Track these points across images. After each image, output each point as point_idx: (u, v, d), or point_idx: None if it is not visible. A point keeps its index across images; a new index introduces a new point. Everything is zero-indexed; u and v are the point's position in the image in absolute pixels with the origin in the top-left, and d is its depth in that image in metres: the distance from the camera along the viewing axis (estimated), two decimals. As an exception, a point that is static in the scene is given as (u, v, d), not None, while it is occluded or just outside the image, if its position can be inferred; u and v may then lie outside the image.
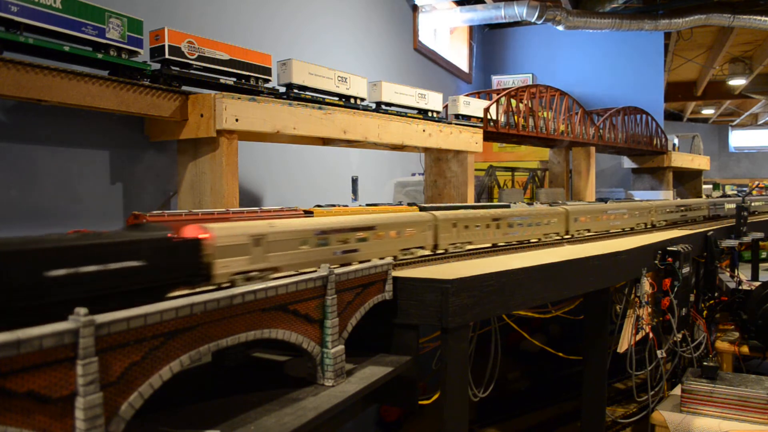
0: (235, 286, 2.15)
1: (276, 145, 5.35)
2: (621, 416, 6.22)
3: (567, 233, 4.76)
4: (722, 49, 13.67)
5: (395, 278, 2.86)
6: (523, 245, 4.22)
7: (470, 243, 3.68)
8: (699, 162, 12.10)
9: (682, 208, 6.85)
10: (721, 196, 10.51)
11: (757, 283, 6.87)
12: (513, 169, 8.55)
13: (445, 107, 6.05)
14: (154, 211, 2.57)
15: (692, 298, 5.54)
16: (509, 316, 4.65)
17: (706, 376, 4.78)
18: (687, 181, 12.42)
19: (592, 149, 8.69)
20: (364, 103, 4.92)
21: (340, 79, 4.60)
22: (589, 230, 5.08)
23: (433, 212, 3.47)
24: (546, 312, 5.31)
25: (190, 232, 2.09)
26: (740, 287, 6.79)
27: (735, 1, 10.05)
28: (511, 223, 4.04)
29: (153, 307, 1.72)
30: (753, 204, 9.01)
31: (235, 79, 3.95)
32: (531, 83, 10.19)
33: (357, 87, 4.77)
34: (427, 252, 3.41)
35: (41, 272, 1.62)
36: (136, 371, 1.67)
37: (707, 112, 23.74)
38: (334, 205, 3.56)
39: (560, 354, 6.01)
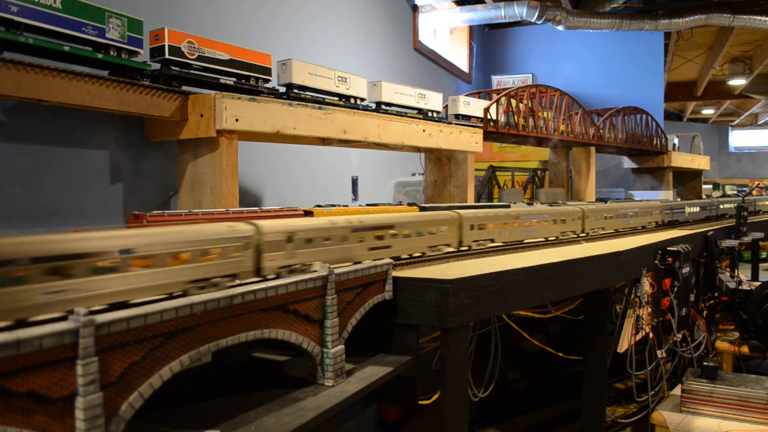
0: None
1: (276, 145, 5.35)
2: (621, 416, 6.22)
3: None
4: (722, 49, 13.68)
5: (395, 278, 2.86)
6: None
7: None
8: (699, 162, 12.10)
9: (624, 213, 5.48)
10: (721, 196, 10.51)
11: (757, 283, 6.87)
12: (513, 169, 8.55)
13: (445, 107, 6.05)
14: (154, 211, 2.57)
15: (692, 298, 5.54)
16: (509, 316, 4.65)
17: (706, 376, 4.78)
18: (687, 181, 12.42)
19: (592, 149, 8.69)
20: (364, 103, 4.92)
21: (340, 79, 4.60)
22: (492, 240, 3.92)
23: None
24: (546, 312, 5.31)
25: None
26: (740, 287, 6.79)
27: (735, 1, 10.05)
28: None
29: (153, 307, 1.72)
30: (758, 203, 8.86)
31: (235, 79, 3.95)
32: (531, 83, 10.20)
33: (357, 87, 4.77)
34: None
35: None
36: (136, 371, 1.67)
37: (707, 112, 23.75)
38: (334, 205, 3.56)
39: (560, 354, 6.01)
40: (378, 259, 2.84)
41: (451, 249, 3.53)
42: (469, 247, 3.65)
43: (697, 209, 7.02)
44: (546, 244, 4.39)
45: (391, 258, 2.97)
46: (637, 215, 5.64)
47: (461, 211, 3.63)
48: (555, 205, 5.16)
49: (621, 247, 4.42)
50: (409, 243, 3.17)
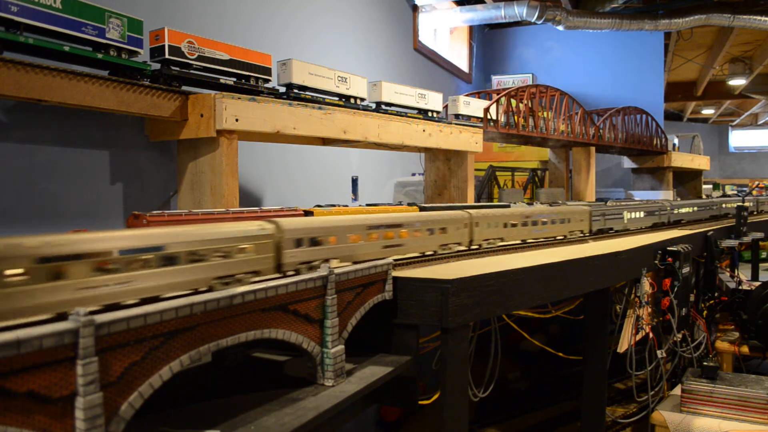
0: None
1: (276, 145, 5.35)
2: (621, 416, 6.22)
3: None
4: (722, 49, 13.68)
5: (395, 278, 2.86)
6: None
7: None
8: (699, 162, 12.10)
9: (535, 220, 4.27)
10: (722, 196, 10.50)
11: (757, 283, 6.87)
12: (513, 169, 8.55)
13: (445, 107, 6.05)
14: (154, 211, 2.57)
15: (692, 298, 5.54)
16: (509, 316, 4.65)
17: (706, 376, 4.78)
18: (687, 181, 12.42)
19: (592, 149, 8.69)
20: (364, 103, 4.92)
21: (340, 79, 4.59)
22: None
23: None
24: (546, 312, 5.31)
25: None
26: (740, 287, 6.79)
27: (735, 1, 10.05)
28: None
29: (153, 307, 1.72)
30: (725, 205, 8.09)
31: (235, 79, 3.95)
32: (531, 83, 10.20)
33: (357, 87, 4.77)
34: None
35: None
36: (136, 371, 1.67)
37: (707, 112, 23.75)
38: (334, 205, 3.56)
39: (560, 354, 6.01)
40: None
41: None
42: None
43: (641, 215, 5.64)
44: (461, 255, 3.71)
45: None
46: (554, 222, 4.41)
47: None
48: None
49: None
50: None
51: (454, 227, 3.51)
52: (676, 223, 6.43)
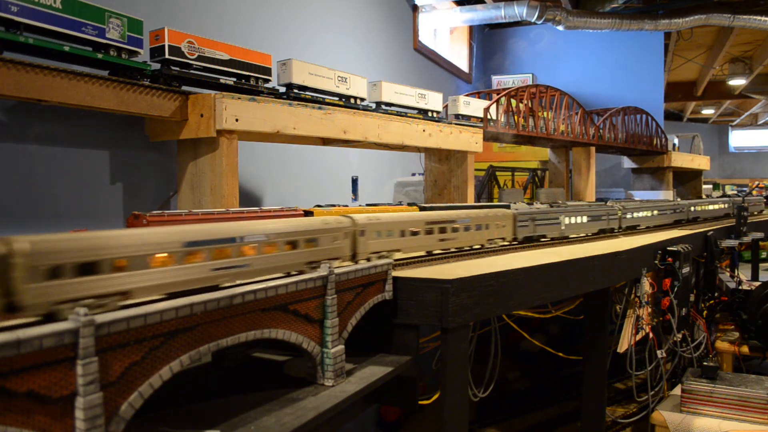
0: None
1: (276, 145, 5.35)
2: (621, 416, 6.22)
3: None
4: (722, 49, 13.68)
5: (395, 278, 2.86)
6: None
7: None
8: (699, 162, 12.11)
9: (444, 226, 3.45)
10: (721, 196, 10.50)
11: (757, 283, 6.87)
12: (513, 169, 8.55)
13: (445, 107, 6.05)
14: (154, 211, 2.57)
15: (692, 298, 5.54)
16: (509, 316, 4.65)
17: (706, 376, 4.78)
18: (687, 181, 12.43)
19: (592, 149, 8.69)
20: (364, 103, 4.92)
21: (340, 79, 4.60)
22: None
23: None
24: (546, 312, 5.31)
25: None
26: (740, 287, 6.78)
27: (735, 1, 10.06)
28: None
29: (153, 307, 1.72)
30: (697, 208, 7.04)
31: (235, 79, 3.95)
32: (531, 83, 10.20)
33: (357, 87, 4.77)
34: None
35: None
36: (136, 371, 1.67)
37: (707, 112, 23.75)
38: (334, 205, 3.56)
39: (560, 354, 6.01)
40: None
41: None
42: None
43: (583, 219, 4.76)
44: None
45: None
46: (468, 229, 3.57)
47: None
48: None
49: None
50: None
51: (330, 238, 2.67)
52: (631, 230, 5.49)
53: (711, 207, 7.49)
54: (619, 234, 5.25)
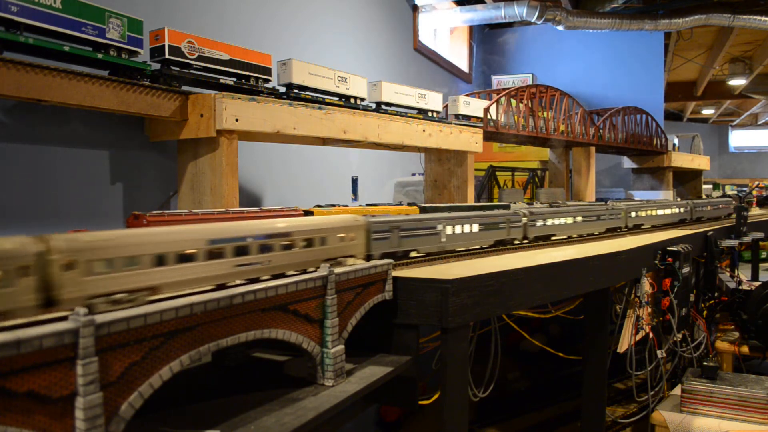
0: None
1: (276, 145, 5.35)
2: (621, 416, 6.22)
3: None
4: (722, 49, 13.68)
5: (395, 278, 2.86)
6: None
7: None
8: (699, 162, 12.11)
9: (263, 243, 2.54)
10: (721, 196, 10.49)
11: (757, 283, 6.86)
12: (513, 169, 8.55)
13: (445, 107, 6.05)
14: (154, 211, 2.57)
15: (692, 298, 5.54)
16: (509, 316, 4.65)
17: (706, 376, 4.78)
18: (687, 181, 12.43)
19: (592, 149, 8.69)
20: (364, 103, 4.92)
21: (340, 79, 4.60)
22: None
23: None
24: (546, 312, 5.31)
25: None
26: (740, 287, 6.78)
27: (735, 1, 10.05)
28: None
29: (153, 307, 1.72)
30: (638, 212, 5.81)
31: (235, 79, 3.95)
32: (531, 83, 10.20)
33: (357, 87, 4.77)
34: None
35: None
36: (136, 371, 1.67)
37: (707, 112, 23.75)
38: (334, 205, 3.56)
39: (560, 354, 6.01)
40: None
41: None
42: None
43: (474, 228, 3.77)
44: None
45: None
46: (288, 247, 2.47)
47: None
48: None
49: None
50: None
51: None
52: (543, 240, 4.44)
53: (659, 212, 6.25)
54: (519, 248, 4.12)
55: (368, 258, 2.92)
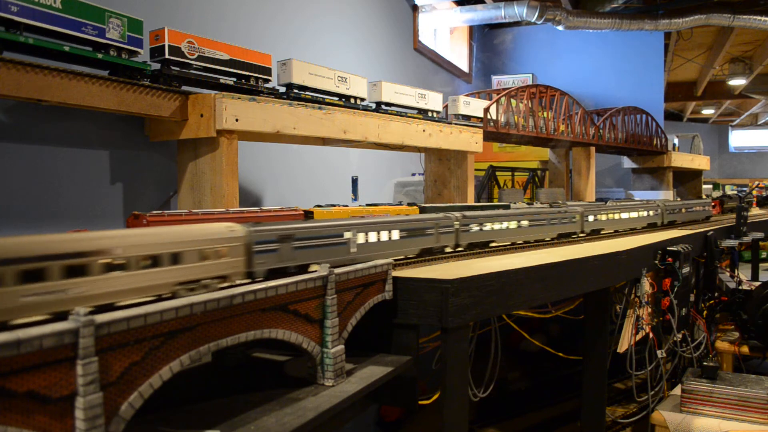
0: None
1: (276, 145, 5.35)
2: (621, 416, 6.22)
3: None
4: (722, 49, 13.68)
5: (395, 278, 2.86)
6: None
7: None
8: (699, 162, 12.11)
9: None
10: (722, 196, 10.47)
11: (757, 283, 6.86)
12: (513, 169, 8.55)
13: (445, 107, 6.05)
14: (154, 211, 2.57)
15: (692, 298, 5.54)
16: (509, 316, 4.65)
17: (706, 376, 4.78)
18: (687, 181, 12.43)
19: (592, 149, 8.69)
20: (364, 103, 4.92)
21: (340, 79, 4.59)
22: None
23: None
24: (546, 312, 5.31)
25: None
26: (740, 287, 6.78)
27: (735, 1, 10.05)
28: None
29: (153, 307, 1.72)
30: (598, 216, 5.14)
31: (235, 79, 3.94)
32: (531, 83, 10.20)
33: (357, 87, 4.77)
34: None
35: None
36: (136, 371, 1.67)
37: (707, 112, 23.75)
38: (334, 205, 3.56)
39: (560, 354, 6.01)
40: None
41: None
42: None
43: (394, 236, 3.17)
44: None
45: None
46: (126, 267, 1.92)
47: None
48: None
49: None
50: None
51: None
52: (479, 247, 3.89)
53: (622, 216, 5.51)
54: (451, 258, 3.60)
55: (250, 276, 2.38)
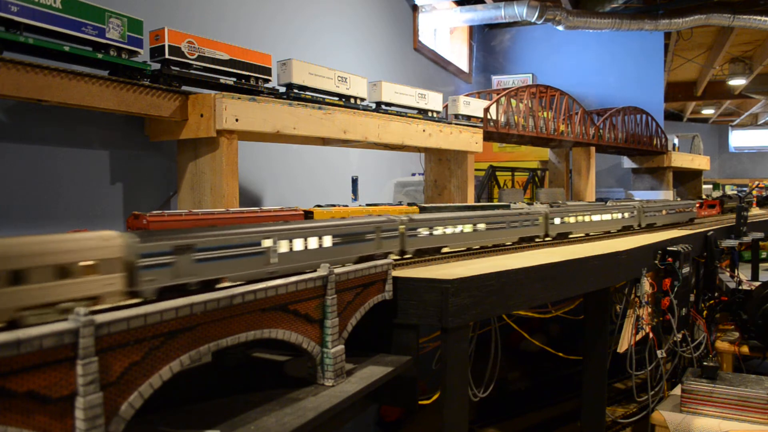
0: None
1: (276, 145, 5.35)
2: (621, 416, 6.22)
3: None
4: (722, 49, 13.68)
5: (395, 278, 2.86)
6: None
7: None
8: (699, 162, 12.11)
9: None
10: (722, 196, 10.47)
11: (757, 283, 6.86)
12: (513, 169, 8.55)
13: (445, 107, 6.05)
14: (154, 211, 2.57)
15: (692, 298, 5.54)
16: (509, 316, 4.65)
17: (706, 376, 4.78)
18: (687, 181, 12.43)
19: (592, 149, 8.69)
20: (364, 103, 4.92)
21: (340, 79, 4.59)
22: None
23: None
24: (546, 312, 5.31)
25: None
26: (740, 287, 6.78)
27: (735, 1, 10.05)
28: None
29: (153, 307, 1.72)
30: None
31: (235, 79, 3.94)
32: (531, 83, 10.20)
33: (357, 87, 4.77)
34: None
35: None
36: (136, 371, 1.67)
37: (707, 112, 23.74)
38: (334, 205, 3.56)
39: (560, 354, 6.01)
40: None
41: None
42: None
43: (326, 243, 2.77)
44: None
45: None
46: None
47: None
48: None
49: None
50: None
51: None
52: (429, 254, 3.51)
53: (594, 218, 5.07)
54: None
55: (134, 296, 1.96)
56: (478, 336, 3.96)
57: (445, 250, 3.61)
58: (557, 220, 4.59)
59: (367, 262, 2.83)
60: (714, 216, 8.20)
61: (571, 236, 4.78)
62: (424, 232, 3.40)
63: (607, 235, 5.28)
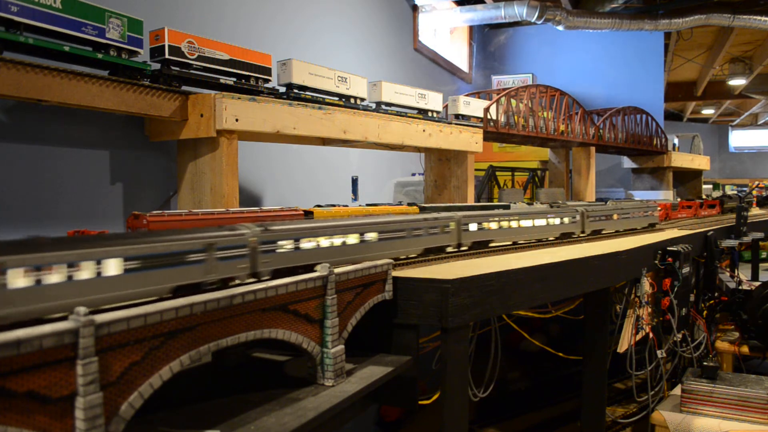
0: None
1: (276, 145, 5.35)
2: (621, 416, 6.22)
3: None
4: (722, 49, 13.68)
5: (395, 278, 2.86)
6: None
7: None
8: (699, 162, 12.11)
9: None
10: (722, 196, 10.46)
11: (757, 283, 6.86)
12: (513, 169, 8.55)
13: (445, 107, 6.05)
14: (154, 211, 2.57)
15: (692, 298, 5.54)
16: (509, 316, 4.65)
17: (706, 376, 4.78)
18: (687, 181, 12.43)
19: (592, 149, 8.69)
20: (364, 103, 4.92)
21: (340, 79, 4.59)
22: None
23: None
24: (546, 312, 5.31)
25: None
26: (740, 287, 6.78)
27: (735, 1, 10.05)
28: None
29: (153, 307, 1.72)
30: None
31: (235, 79, 3.94)
32: (531, 83, 10.20)
33: (357, 87, 4.77)
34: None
35: None
36: (136, 371, 1.67)
37: (707, 112, 23.74)
38: (334, 205, 3.56)
39: (560, 354, 6.01)
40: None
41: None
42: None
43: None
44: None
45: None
46: None
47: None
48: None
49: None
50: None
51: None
52: (301, 271, 2.53)
53: (522, 224, 4.24)
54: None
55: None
56: (478, 336, 3.96)
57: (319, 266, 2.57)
58: (473, 227, 3.84)
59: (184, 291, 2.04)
60: (714, 216, 8.21)
61: (491, 245, 4.01)
62: (286, 246, 2.53)
63: (539, 244, 4.45)
